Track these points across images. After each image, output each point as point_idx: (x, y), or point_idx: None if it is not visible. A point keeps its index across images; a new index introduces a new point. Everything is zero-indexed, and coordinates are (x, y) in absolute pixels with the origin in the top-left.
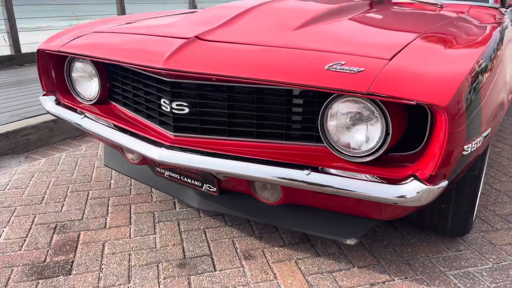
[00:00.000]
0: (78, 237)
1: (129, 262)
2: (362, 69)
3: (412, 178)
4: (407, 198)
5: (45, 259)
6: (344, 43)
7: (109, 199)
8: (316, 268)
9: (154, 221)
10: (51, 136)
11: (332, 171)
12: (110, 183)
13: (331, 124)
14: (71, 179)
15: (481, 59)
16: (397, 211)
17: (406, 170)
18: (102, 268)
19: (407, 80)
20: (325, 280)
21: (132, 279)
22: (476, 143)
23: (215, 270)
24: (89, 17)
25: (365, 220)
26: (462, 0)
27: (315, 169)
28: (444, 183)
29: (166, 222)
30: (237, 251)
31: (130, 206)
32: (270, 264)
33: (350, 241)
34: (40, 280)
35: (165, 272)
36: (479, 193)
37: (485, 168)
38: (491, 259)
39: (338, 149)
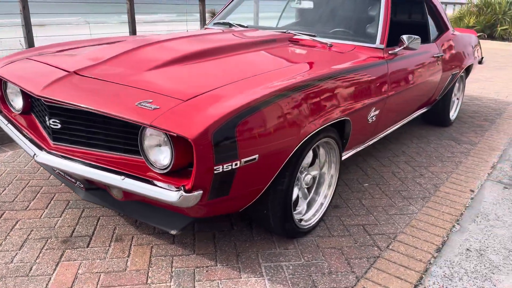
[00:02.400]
0: (2, 215)
1: (28, 236)
2: (158, 107)
3: (181, 187)
4: (174, 201)
5: None
6: (172, 84)
7: (41, 188)
8: (163, 252)
9: (65, 207)
10: None
11: (140, 178)
12: (50, 175)
13: (145, 143)
14: (23, 169)
15: (258, 101)
16: (200, 211)
17: (182, 182)
18: (6, 238)
19: (181, 117)
20: (163, 262)
21: (22, 248)
22: (231, 165)
23: (87, 247)
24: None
25: (184, 216)
26: (349, 41)
27: (130, 176)
28: (198, 193)
29: (73, 209)
30: (114, 235)
31: (55, 195)
32: (132, 246)
33: (173, 232)
34: None
35: (48, 245)
36: (292, 203)
37: (294, 183)
38: (305, 257)
39: (150, 162)
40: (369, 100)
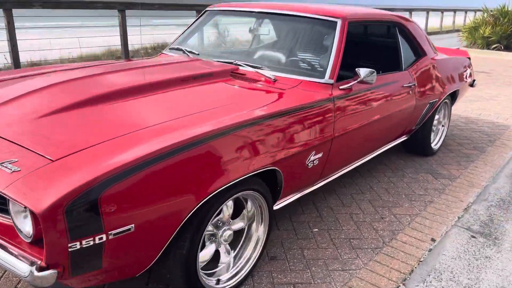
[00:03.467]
0: None
1: None
2: (19, 169)
3: (36, 263)
4: (25, 277)
5: None
6: (55, 135)
7: None
8: None
9: None
10: None
11: (5, 243)
12: None
13: (11, 207)
14: None
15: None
16: (81, 283)
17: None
18: None
19: (35, 185)
20: None
21: None
22: (93, 240)
23: None
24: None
25: None
26: (296, 74)
27: None
28: (52, 272)
29: None
30: None
31: None
32: None
33: None
34: None
35: None
36: (196, 267)
37: (202, 242)
38: None
39: (17, 227)
40: (306, 144)
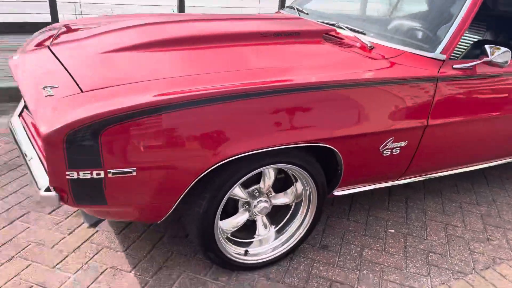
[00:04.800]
0: None
1: None
2: (53, 94)
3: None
4: (39, 194)
5: None
6: (102, 71)
7: None
8: None
9: None
10: None
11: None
12: None
13: None
14: None
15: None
16: (96, 213)
17: None
18: None
19: (56, 110)
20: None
21: None
22: (91, 174)
23: None
24: None
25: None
26: (401, 44)
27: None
28: (53, 194)
29: None
30: None
31: None
32: None
33: (87, 224)
34: None
35: None
36: (214, 229)
37: (219, 210)
38: None
39: None
40: (380, 127)
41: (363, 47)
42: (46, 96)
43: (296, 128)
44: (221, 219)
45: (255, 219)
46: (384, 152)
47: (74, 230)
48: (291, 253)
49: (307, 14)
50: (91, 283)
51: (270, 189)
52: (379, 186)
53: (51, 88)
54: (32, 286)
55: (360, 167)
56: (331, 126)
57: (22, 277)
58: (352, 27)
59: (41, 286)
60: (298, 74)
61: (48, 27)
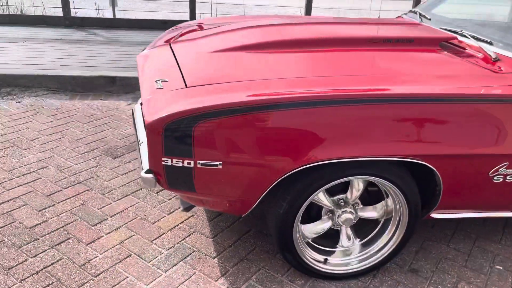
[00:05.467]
0: None
1: None
2: (162, 87)
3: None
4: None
5: None
6: (209, 69)
7: None
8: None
9: None
10: None
11: None
12: None
13: None
14: None
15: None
16: (188, 199)
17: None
18: None
19: (162, 102)
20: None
21: None
22: (182, 162)
23: None
24: None
25: None
26: None
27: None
28: (150, 176)
29: None
30: None
31: None
32: None
33: (181, 208)
34: None
35: None
36: (293, 231)
37: (298, 214)
38: None
39: None
40: (491, 149)
41: (486, 58)
42: (156, 89)
43: (386, 141)
44: (304, 223)
45: (338, 229)
46: (495, 178)
47: (173, 211)
48: (374, 270)
49: (430, 19)
50: (179, 262)
51: (358, 201)
52: (489, 215)
53: (162, 81)
54: (131, 254)
55: (462, 191)
56: (429, 142)
57: (124, 245)
58: (477, 36)
59: (138, 256)
60: (399, 83)
61: (178, 25)
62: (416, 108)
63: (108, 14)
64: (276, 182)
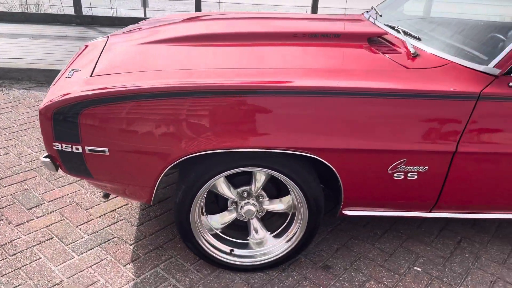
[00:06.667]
0: None
1: None
2: (71, 77)
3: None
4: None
5: None
6: (123, 59)
7: None
8: None
9: None
10: None
11: None
12: None
13: None
14: None
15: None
16: (94, 183)
17: None
18: None
19: (60, 90)
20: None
21: None
22: (71, 147)
23: None
24: None
25: None
26: (451, 54)
27: None
28: (47, 160)
29: None
30: None
31: None
32: None
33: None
34: None
35: None
36: (190, 221)
37: (194, 203)
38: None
39: None
40: (387, 145)
41: (408, 53)
42: (66, 78)
43: (271, 133)
44: (211, 214)
45: (245, 220)
46: (395, 175)
47: (110, 200)
48: (282, 264)
49: (381, 16)
50: (95, 247)
51: (263, 193)
52: (406, 215)
53: (74, 71)
54: (52, 237)
55: (364, 188)
56: (321, 135)
57: (50, 229)
58: (408, 32)
59: (59, 239)
60: (294, 76)
61: (144, 21)
62: (297, 100)
63: (139, 14)
64: (166, 171)
